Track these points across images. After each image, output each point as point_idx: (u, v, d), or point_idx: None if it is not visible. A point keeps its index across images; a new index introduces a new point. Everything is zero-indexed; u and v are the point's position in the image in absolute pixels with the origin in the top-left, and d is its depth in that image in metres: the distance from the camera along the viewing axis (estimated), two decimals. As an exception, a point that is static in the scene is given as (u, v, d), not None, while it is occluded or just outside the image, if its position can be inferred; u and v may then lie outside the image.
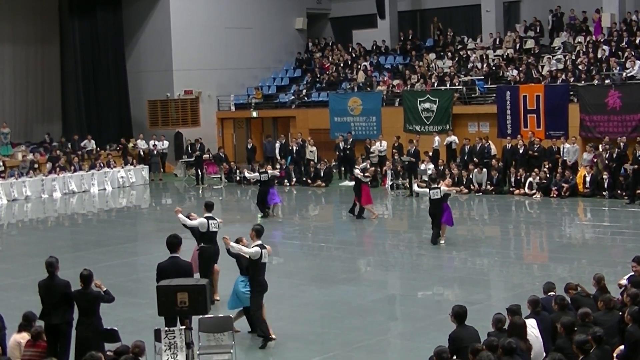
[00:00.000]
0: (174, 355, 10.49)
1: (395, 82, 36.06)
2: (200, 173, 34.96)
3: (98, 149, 37.11)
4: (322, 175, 32.92)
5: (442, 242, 20.57)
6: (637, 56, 30.32)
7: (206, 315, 11.17)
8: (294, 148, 34.83)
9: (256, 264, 13.09)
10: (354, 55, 40.61)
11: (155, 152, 37.11)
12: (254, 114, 39.38)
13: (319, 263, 19.10)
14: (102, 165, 34.93)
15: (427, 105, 33.36)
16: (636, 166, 25.67)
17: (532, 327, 10.31)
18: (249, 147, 36.70)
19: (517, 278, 17.45)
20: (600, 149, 27.72)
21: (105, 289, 11.38)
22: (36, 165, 33.67)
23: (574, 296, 11.58)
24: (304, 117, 37.48)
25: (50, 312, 11.27)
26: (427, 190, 21.26)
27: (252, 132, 39.71)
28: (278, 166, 34.04)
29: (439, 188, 20.71)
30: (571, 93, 30.29)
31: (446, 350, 9.43)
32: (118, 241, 22.99)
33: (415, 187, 24.89)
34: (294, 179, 33.55)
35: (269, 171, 25.49)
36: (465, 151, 30.99)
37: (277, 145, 35.39)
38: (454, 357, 9.61)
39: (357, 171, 24.77)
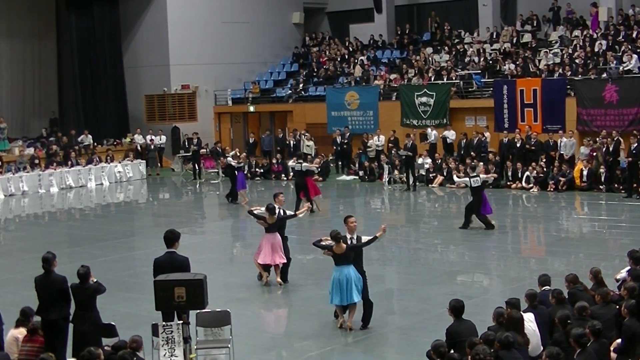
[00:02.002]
0: (171, 350, 10.48)
1: (393, 76, 36.05)
2: (197, 168, 34.95)
3: (95, 143, 37.09)
4: (319, 169, 32.91)
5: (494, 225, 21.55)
6: (633, 50, 30.31)
7: (204, 310, 11.16)
8: (291, 142, 34.83)
9: None
10: (351, 49, 40.58)
11: (152, 147, 37.09)
12: (251, 109, 39.36)
13: (316, 258, 19.08)
14: (99, 160, 34.92)
15: (424, 99, 33.36)
16: (630, 159, 25.71)
17: (529, 321, 10.32)
18: (250, 141, 36.70)
19: (514, 272, 17.47)
20: (599, 143, 27.73)
21: (95, 279, 11.36)
22: (37, 161, 33.62)
23: (571, 290, 11.59)
24: (301, 111, 37.46)
25: (47, 308, 11.27)
26: (468, 179, 21.86)
27: (249, 127, 39.69)
28: (275, 160, 34.14)
29: (479, 176, 21.56)
30: (568, 87, 30.28)
31: (444, 344, 9.44)
32: (115, 236, 22.99)
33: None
34: (292, 174, 33.52)
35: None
36: (462, 145, 31.00)
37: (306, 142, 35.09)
38: (452, 351, 9.61)
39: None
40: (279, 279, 16.57)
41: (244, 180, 27.65)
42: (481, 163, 24.05)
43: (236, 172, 27.27)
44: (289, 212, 16.91)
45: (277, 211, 16.32)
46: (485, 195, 21.75)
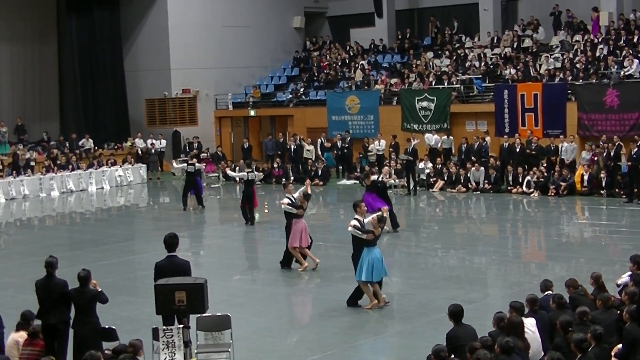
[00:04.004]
0: (171, 354, 10.48)
1: (393, 80, 36.05)
2: (197, 171, 34.93)
3: (96, 147, 37.12)
4: (319, 174, 32.92)
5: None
6: (634, 55, 30.32)
7: (204, 314, 11.16)
8: (292, 147, 34.84)
9: None
10: (351, 53, 40.60)
11: (153, 150, 37.13)
12: (252, 113, 39.37)
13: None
14: (99, 164, 34.93)
15: (424, 104, 33.35)
16: (630, 163, 25.72)
17: (530, 326, 10.31)
18: (245, 146, 36.71)
19: (514, 277, 17.46)
20: (601, 148, 27.72)
21: (100, 289, 11.36)
22: (32, 164, 33.52)
23: (572, 295, 11.58)
24: (301, 115, 37.47)
25: (48, 312, 11.26)
26: (245, 173, 24.51)
27: (249, 131, 39.70)
28: (276, 165, 34.17)
29: (194, 164, 26.15)
30: (569, 92, 30.28)
31: (444, 349, 9.43)
32: (115, 240, 22.99)
33: (229, 172, 28.29)
34: (292, 178, 33.58)
35: (197, 164, 27.34)
36: (462, 150, 31.00)
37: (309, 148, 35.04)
38: (452, 356, 9.61)
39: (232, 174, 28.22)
40: (317, 259, 18.06)
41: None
42: (386, 167, 24.45)
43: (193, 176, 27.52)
44: (297, 196, 18.31)
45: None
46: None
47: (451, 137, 31.90)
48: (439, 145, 31.79)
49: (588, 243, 21.20)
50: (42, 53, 39.74)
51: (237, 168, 29.95)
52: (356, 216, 14.98)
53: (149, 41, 39.45)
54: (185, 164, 27.20)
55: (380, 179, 22.16)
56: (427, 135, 32.05)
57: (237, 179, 29.13)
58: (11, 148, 35.13)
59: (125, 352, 9.98)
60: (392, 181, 25.26)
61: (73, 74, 39.11)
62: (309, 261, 18.05)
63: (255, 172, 25.93)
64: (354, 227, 14.73)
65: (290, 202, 18.15)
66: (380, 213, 15.05)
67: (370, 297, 14.75)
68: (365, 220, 14.89)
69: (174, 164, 30.50)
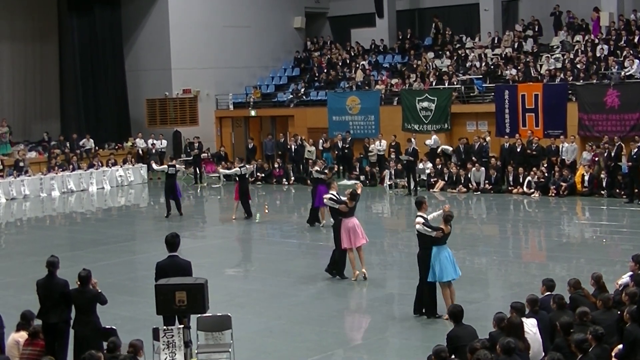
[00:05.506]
0: (172, 354, 10.49)
1: (394, 81, 36.04)
2: (198, 172, 34.94)
3: (97, 147, 37.12)
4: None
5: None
6: (635, 55, 30.31)
7: (204, 314, 11.17)
8: (292, 147, 34.82)
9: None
10: (352, 54, 40.59)
11: (153, 150, 37.14)
12: (253, 113, 39.36)
13: (317, 262, 19.08)
14: (100, 164, 34.93)
15: (425, 104, 33.33)
16: (630, 164, 25.72)
17: (531, 326, 10.30)
18: (249, 147, 36.71)
19: (515, 277, 17.46)
20: (602, 148, 27.71)
21: (100, 290, 11.36)
22: (21, 164, 33.27)
23: (573, 295, 11.57)
24: (302, 116, 37.45)
25: (49, 311, 11.26)
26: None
27: (250, 131, 39.70)
28: (277, 165, 34.17)
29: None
30: (570, 92, 30.26)
31: (445, 349, 9.44)
32: (116, 240, 23.00)
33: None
34: (292, 178, 33.60)
35: (177, 165, 26.94)
36: (461, 150, 30.99)
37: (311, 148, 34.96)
38: (452, 356, 9.61)
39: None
40: (364, 269, 17.16)
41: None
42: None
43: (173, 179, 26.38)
44: (344, 198, 17.44)
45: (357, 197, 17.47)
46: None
47: (451, 148, 31.71)
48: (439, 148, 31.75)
49: (589, 243, 21.20)
50: (43, 52, 39.75)
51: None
52: (420, 213, 14.27)
53: (149, 41, 39.46)
54: (165, 166, 27.22)
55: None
56: (426, 141, 31.80)
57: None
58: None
59: (118, 347, 9.99)
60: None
61: (74, 73, 39.13)
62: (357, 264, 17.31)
63: (247, 165, 25.98)
64: (422, 224, 14.06)
65: (332, 197, 17.59)
66: (446, 210, 14.43)
67: (446, 298, 14.22)
68: (430, 217, 14.43)
69: (154, 165, 31.39)
